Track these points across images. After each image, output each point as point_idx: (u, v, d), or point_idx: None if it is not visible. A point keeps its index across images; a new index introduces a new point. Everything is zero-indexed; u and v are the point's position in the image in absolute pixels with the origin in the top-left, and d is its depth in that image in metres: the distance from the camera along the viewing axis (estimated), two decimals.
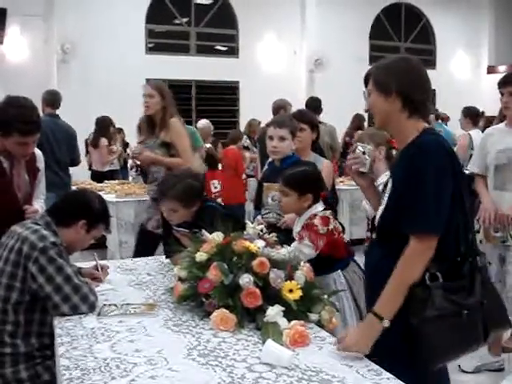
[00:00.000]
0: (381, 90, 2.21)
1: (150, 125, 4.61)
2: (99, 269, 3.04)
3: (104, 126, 8.63)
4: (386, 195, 2.25)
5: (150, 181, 4.60)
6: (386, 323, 2.03)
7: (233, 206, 6.79)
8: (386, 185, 2.34)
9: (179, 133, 4.54)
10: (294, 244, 2.92)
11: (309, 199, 2.99)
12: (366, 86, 2.35)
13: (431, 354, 2.07)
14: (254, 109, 10.31)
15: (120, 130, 9.63)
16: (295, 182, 3.00)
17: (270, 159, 3.73)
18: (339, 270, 3.03)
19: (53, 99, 6.33)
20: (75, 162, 6.44)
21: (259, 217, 3.52)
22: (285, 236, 2.92)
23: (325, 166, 3.73)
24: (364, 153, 2.40)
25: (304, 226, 2.94)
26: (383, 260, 2.20)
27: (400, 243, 2.08)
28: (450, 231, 2.09)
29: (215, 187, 7.68)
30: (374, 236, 2.38)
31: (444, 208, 2.07)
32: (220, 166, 7.92)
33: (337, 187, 4.80)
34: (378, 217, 2.30)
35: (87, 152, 9.03)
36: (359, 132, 3.81)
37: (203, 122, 8.57)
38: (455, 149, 7.05)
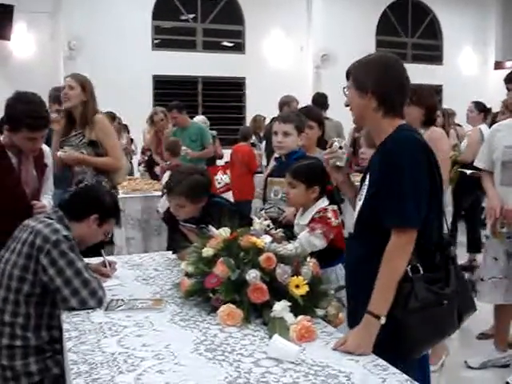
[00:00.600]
0: (358, 88, 2.26)
1: (70, 120, 4.38)
2: (107, 265, 3.07)
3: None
4: (364, 190, 2.27)
5: (76, 182, 4.28)
6: (383, 320, 2.06)
7: (243, 203, 6.77)
8: (362, 180, 2.35)
9: (106, 130, 4.32)
10: (302, 234, 2.93)
11: (316, 191, 3.01)
12: (348, 81, 2.39)
13: (415, 344, 2.14)
14: (260, 105, 10.29)
15: (125, 127, 9.63)
16: (302, 173, 3.02)
17: (275, 155, 3.73)
18: (340, 264, 3.05)
19: (59, 96, 6.34)
20: None
21: (262, 212, 3.53)
22: (285, 230, 2.92)
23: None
24: (341, 147, 2.44)
25: (316, 219, 2.95)
26: (362, 254, 2.24)
27: (378, 237, 2.13)
28: (427, 224, 2.13)
29: (219, 182, 7.71)
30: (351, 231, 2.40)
31: (423, 201, 2.11)
32: (222, 162, 8.01)
33: None
34: (356, 212, 2.33)
35: None
36: (362, 131, 3.80)
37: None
38: (465, 144, 7.01)
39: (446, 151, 3.90)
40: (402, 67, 2.28)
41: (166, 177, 6.21)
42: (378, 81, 2.20)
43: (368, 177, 2.28)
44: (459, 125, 8.58)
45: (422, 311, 2.08)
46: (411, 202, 2.08)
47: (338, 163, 2.45)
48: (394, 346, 2.07)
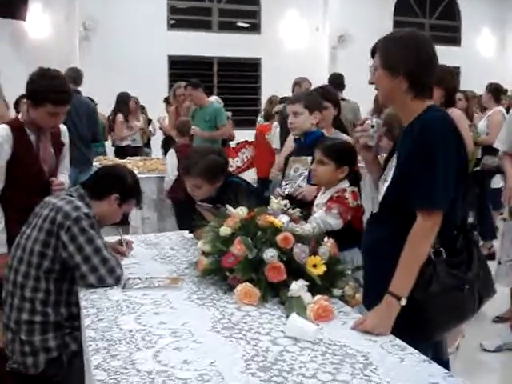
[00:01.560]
0: (388, 68, 2.16)
1: None
2: (123, 243, 3.08)
3: (121, 102, 8.66)
4: (391, 172, 2.23)
5: None
6: (404, 301, 2.04)
7: (267, 181, 6.83)
8: (386, 161, 2.32)
9: None
10: (318, 213, 2.92)
11: (344, 171, 3.00)
12: (373, 58, 2.29)
13: (434, 327, 2.13)
14: (275, 86, 10.22)
15: (142, 108, 9.63)
16: (335, 152, 3.00)
17: (294, 136, 3.71)
18: (357, 248, 3.04)
19: (75, 76, 6.40)
20: (96, 137, 6.53)
21: (278, 189, 3.52)
22: (302, 210, 2.91)
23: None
24: (373, 126, 2.38)
25: (333, 198, 2.94)
26: (384, 235, 2.22)
27: (402, 219, 2.11)
28: (452, 206, 2.10)
29: (230, 165, 7.69)
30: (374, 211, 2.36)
31: (451, 183, 2.07)
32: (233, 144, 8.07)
33: (360, 164, 4.78)
34: (382, 192, 2.29)
35: (110, 128, 9.05)
36: (386, 111, 3.75)
37: (212, 99, 8.45)
38: (483, 125, 6.90)
39: (465, 133, 3.86)
40: (432, 46, 2.19)
41: (169, 155, 6.24)
42: (410, 62, 2.11)
43: (395, 158, 2.23)
44: (485, 108, 8.43)
45: (443, 295, 2.07)
46: (441, 183, 2.04)
47: (369, 143, 2.40)
48: (412, 328, 2.06)
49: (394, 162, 2.24)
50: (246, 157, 8.66)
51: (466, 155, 2.18)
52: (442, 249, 2.08)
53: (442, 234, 2.08)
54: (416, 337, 2.05)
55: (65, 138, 3.55)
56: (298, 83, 6.70)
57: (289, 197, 3.26)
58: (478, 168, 6.29)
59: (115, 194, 2.81)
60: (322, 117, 3.59)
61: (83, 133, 6.05)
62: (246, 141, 8.62)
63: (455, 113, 3.87)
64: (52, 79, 3.21)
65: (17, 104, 6.88)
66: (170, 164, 6.10)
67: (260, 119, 9.11)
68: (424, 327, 2.10)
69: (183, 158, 5.93)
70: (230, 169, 5.55)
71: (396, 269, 2.06)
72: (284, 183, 3.51)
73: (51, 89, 3.16)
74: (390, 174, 2.24)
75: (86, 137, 6.12)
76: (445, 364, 2.45)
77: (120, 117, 8.57)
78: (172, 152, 6.19)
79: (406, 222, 2.07)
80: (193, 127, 6.76)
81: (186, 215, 3.29)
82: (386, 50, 2.19)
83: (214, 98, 8.58)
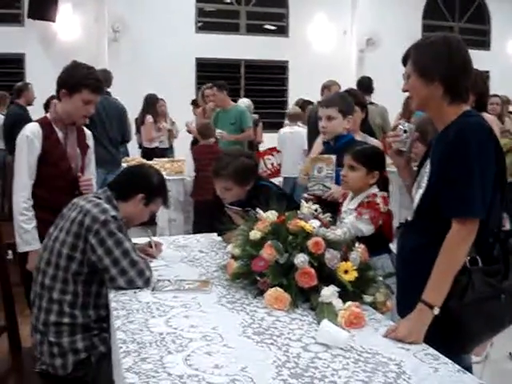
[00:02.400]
0: (422, 75, 2.14)
1: None
2: (152, 245, 3.08)
3: (150, 103, 8.69)
4: (424, 178, 2.20)
5: None
6: (437, 311, 2.01)
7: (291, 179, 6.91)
8: (420, 166, 2.28)
9: None
10: (349, 218, 2.90)
11: (375, 177, 2.97)
12: (405, 66, 2.27)
13: (469, 338, 2.10)
14: (302, 89, 10.22)
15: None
16: (366, 157, 2.98)
17: (322, 139, 3.69)
18: (387, 254, 3.01)
19: (105, 77, 6.42)
20: (126, 138, 6.56)
21: (305, 194, 3.49)
22: (329, 208, 2.87)
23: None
24: (405, 131, 2.35)
25: (364, 204, 2.91)
26: (419, 243, 2.18)
27: (437, 226, 2.07)
28: (489, 214, 2.06)
29: (269, 165, 7.67)
30: (409, 218, 2.33)
31: (488, 190, 2.03)
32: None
33: (387, 169, 4.74)
34: (416, 199, 2.26)
35: (137, 130, 9.11)
36: (421, 116, 3.73)
37: (244, 101, 8.44)
38: None
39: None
40: (465, 49, 2.17)
41: (187, 156, 6.27)
42: (445, 67, 2.09)
43: (429, 164, 2.20)
44: None
45: (479, 304, 2.03)
46: (478, 191, 2.00)
47: (401, 148, 2.38)
48: (446, 339, 2.03)
49: (427, 168, 2.21)
50: (272, 163, 8.41)
51: (503, 160, 2.14)
52: (477, 257, 2.05)
53: (478, 242, 2.04)
54: (451, 347, 2.02)
55: (89, 140, 3.58)
56: (327, 87, 6.67)
57: (318, 198, 3.25)
58: None
59: (141, 193, 2.81)
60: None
61: (112, 134, 6.08)
62: (275, 147, 8.36)
63: (487, 118, 3.83)
64: (87, 68, 3.31)
65: (47, 105, 6.95)
66: (187, 164, 6.16)
67: (287, 122, 9.09)
68: (459, 338, 2.06)
69: (198, 159, 6.02)
70: None
71: (430, 277, 2.03)
72: (310, 183, 3.48)
73: (88, 75, 3.26)
74: (424, 181, 2.21)
75: (114, 138, 6.14)
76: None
77: (149, 118, 8.60)
78: (189, 153, 6.23)
79: (442, 229, 2.04)
80: (218, 131, 6.69)
81: (204, 216, 3.29)
82: (418, 56, 2.17)
83: (245, 100, 8.50)
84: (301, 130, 7.70)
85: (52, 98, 7.23)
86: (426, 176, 2.19)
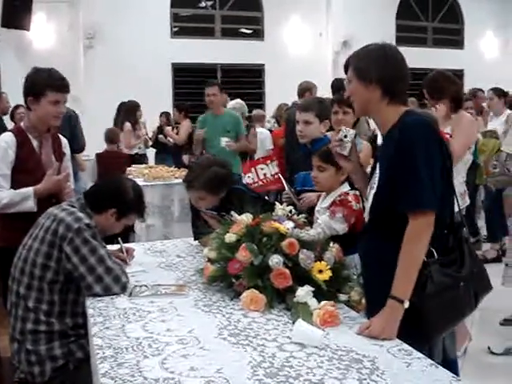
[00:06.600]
0: (361, 78, 2.24)
1: None
2: (124, 251, 3.08)
3: (129, 110, 8.66)
4: (376, 179, 2.25)
5: None
6: (407, 304, 2.05)
7: None
8: (373, 169, 2.34)
9: None
10: (322, 218, 2.92)
11: (345, 173, 2.99)
12: (346, 74, 2.38)
13: (433, 328, 2.14)
14: (279, 92, 10.26)
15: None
16: (332, 155, 3.00)
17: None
18: None
19: None
20: (76, 147, 5.76)
21: (286, 190, 3.52)
22: (306, 216, 2.90)
23: (365, 146, 3.72)
24: (346, 136, 2.40)
25: (337, 202, 2.94)
26: (377, 242, 2.23)
27: (393, 224, 2.13)
28: (440, 206, 2.11)
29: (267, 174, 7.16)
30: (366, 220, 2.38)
31: (437, 182, 2.10)
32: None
33: None
34: (369, 201, 2.31)
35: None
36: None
37: (234, 103, 7.80)
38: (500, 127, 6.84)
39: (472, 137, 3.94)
40: (400, 55, 2.28)
41: None
42: (381, 69, 2.20)
43: (378, 165, 2.26)
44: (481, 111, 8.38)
45: (439, 295, 2.08)
46: (428, 184, 2.06)
47: (342, 152, 2.42)
48: (413, 331, 2.06)
49: (377, 169, 2.27)
50: (265, 174, 7.10)
51: (448, 153, 2.22)
52: (432, 249, 2.10)
53: (433, 234, 2.09)
54: (419, 339, 2.06)
55: (65, 148, 3.58)
56: (309, 89, 6.66)
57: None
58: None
59: (113, 208, 2.81)
60: (343, 122, 3.60)
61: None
62: (270, 156, 7.33)
63: (465, 117, 3.94)
64: (49, 70, 3.32)
65: (12, 115, 6.94)
66: None
67: (267, 124, 9.10)
68: (425, 328, 2.10)
69: (101, 165, 5.99)
70: None
71: (395, 273, 2.07)
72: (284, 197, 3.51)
73: (49, 77, 3.27)
74: (375, 181, 2.26)
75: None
76: (453, 363, 2.47)
77: (128, 125, 8.56)
78: None
79: (397, 227, 2.09)
80: (226, 139, 6.33)
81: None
82: (357, 61, 2.29)
83: (239, 101, 7.93)
84: (263, 130, 7.96)
85: (16, 107, 7.16)
86: (377, 177, 2.25)
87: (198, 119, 6.98)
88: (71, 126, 5.91)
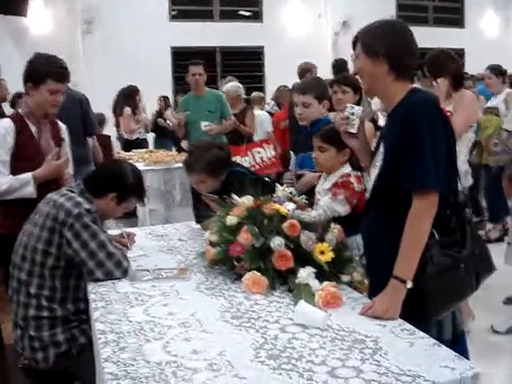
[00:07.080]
0: (368, 53, 2.23)
1: None
2: (125, 236, 3.08)
3: (129, 95, 8.62)
4: (380, 157, 2.24)
5: None
6: (409, 284, 2.05)
7: None
8: (377, 147, 2.32)
9: None
10: (324, 200, 2.91)
11: (347, 154, 2.97)
12: (354, 50, 2.36)
13: (433, 308, 2.13)
14: (279, 74, 10.21)
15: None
16: (333, 136, 2.97)
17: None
18: None
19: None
20: (89, 131, 5.70)
21: (288, 173, 3.53)
22: (308, 197, 2.89)
23: (367, 126, 3.70)
24: (352, 113, 2.38)
25: (339, 184, 2.92)
26: (380, 222, 2.23)
27: (396, 204, 2.12)
28: (445, 185, 2.10)
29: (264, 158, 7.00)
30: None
31: (442, 162, 2.09)
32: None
33: None
34: (372, 179, 2.30)
35: (117, 122, 9.04)
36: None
37: (228, 86, 7.25)
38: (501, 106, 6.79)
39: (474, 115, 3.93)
40: (409, 31, 2.26)
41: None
42: (388, 43, 2.18)
43: (382, 143, 2.25)
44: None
45: (440, 275, 2.08)
46: (432, 164, 2.04)
47: (350, 130, 2.40)
48: (414, 311, 2.06)
49: (381, 147, 2.25)
50: (262, 158, 7.11)
51: (452, 133, 2.20)
52: (433, 230, 2.09)
53: (436, 215, 2.08)
54: (417, 319, 2.04)
55: (64, 134, 3.56)
56: (308, 70, 6.62)
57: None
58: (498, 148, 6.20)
59: (113, 192, 2.78)
60: (342, 101, 3.58)
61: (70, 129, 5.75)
62: (267, 139, 7.28)
63: (467, 95, 3.92)
64: (50, 57, 3.30)
65: (13, 103, 6.88)
66: None
67: (267, 107, 9.05)
68: (425, 309, 2.10)
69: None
70: None
71: (398, 253, 2.06)
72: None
73: (51, 65, 3.24)
74: (378, 160, 2.25)
75: (75, 133, 5.66)
76: (461, 339, 2.47)
77: (128, 110, 8.52)
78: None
79: (401, 206, 2.08)
80: (205, 123, 6.06)
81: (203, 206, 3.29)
82: (364, 37, 2.27)
83: (233, 84, 7.32)
84: (261, 113, 7.84)
85: (17, 95, 7.11)
86: (381, 155, 2.23)
87: (179, 101, 6.66)
88: (83, 110, 5.83)
